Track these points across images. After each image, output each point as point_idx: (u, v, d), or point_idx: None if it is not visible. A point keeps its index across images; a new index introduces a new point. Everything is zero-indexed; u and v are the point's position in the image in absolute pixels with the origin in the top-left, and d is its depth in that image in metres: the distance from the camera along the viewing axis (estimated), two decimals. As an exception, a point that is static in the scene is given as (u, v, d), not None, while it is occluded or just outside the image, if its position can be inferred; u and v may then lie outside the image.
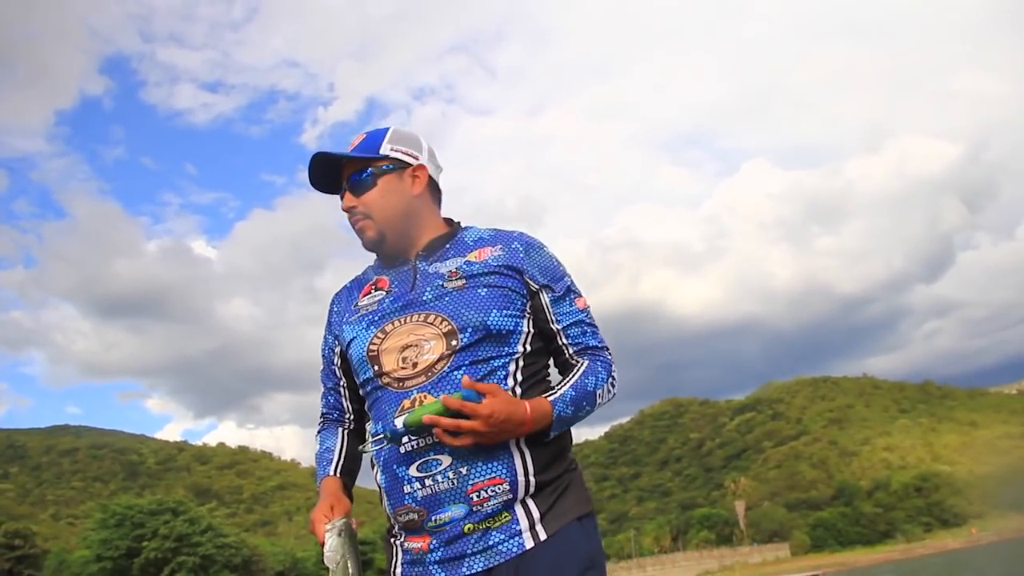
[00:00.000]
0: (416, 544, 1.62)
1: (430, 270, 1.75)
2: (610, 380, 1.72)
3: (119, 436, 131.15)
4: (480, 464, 1.58)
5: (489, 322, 1.64)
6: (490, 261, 1.73)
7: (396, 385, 1.64)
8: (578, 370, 1.69)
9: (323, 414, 1.91)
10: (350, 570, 1.55)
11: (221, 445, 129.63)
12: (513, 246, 1.75)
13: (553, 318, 1.73)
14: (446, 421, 1.49)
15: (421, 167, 1.79)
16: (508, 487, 1.57)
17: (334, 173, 1.80)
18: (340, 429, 1.86)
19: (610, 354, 1.77)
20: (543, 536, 1.58)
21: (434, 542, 1.60)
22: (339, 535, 1.56)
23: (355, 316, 1.79)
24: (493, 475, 1.58)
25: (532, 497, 1.60)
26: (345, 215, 1.79)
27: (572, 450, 1.73)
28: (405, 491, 1.62)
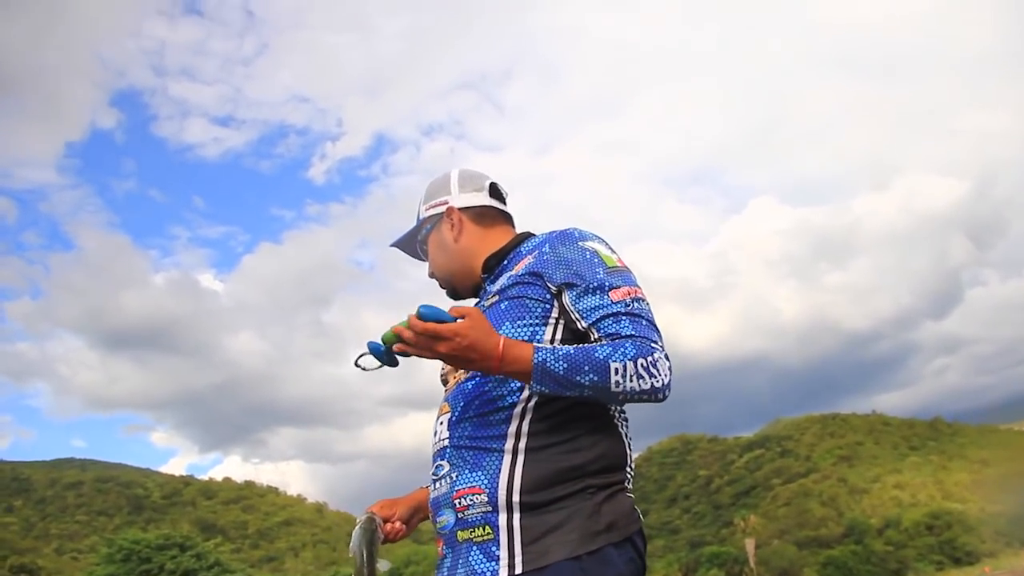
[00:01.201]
0: (439, 548, 1.63)
1: (487, 290, 1.76)
2: (641, 361, 1.47)
3: (125, 469, 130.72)
4: (466, 472, 1.55)
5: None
6: (521, 271, 1.66)
7: (445, 390, 1.74)
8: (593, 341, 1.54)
9: None
10: (361, 561, 1.60)
11: (227, 480, 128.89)
12: (542, 249, 1.65)
13: (578, 316, 1.57)
14: (407, 334, 1.43)
15: (450, 209, 1.82)
16: (486, 498, 1.51)
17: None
18: None
19: (658, 345, 1.52)
20: (519, 570, 1.47)
21: (444, 546, 1.61)
22: (361, 528, 1.63)
23: None
24: (474, 483, 1.54)
25: (522, 516, 1.50)
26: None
27: (601, 474, 1.55)
28: (429, 490, 1.69)
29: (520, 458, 1.53)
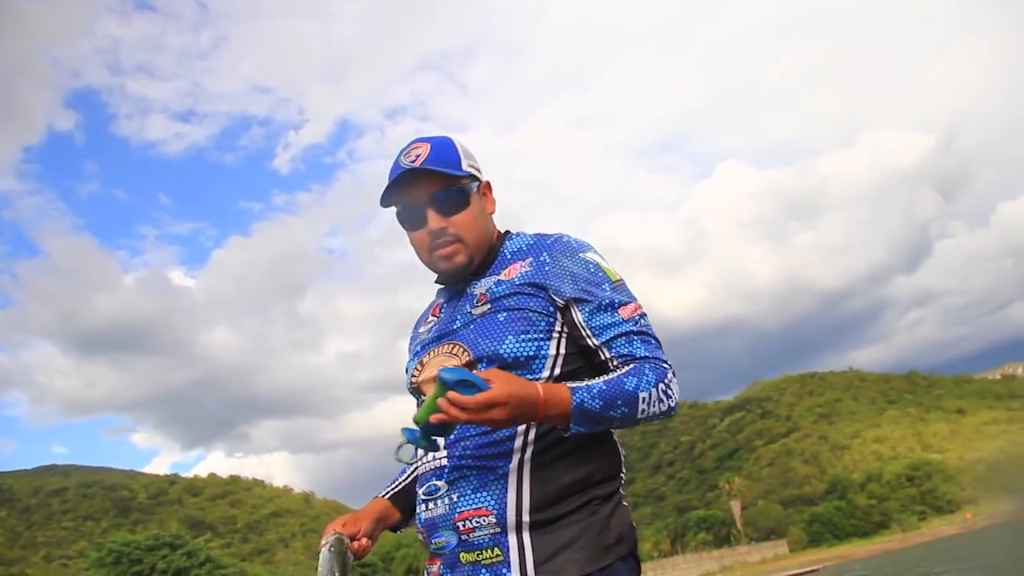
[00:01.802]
0: (433, 567, 1.58)
1: (469, 292, 1.64)
2: (660, 386, 1.48)
3: (108, 473, 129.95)
4: (470, 493, 1.49)
5: (502, 351, 1.51)
6: (516, 279, 1.58)
7: None
8: (617, 370, 1.49)
9: None
10: None
11: (212, 476, 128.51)
12: (541, 258, 1.59)
13: (589, 333, 1.54)
14: (455, 411, 1.32)
15: (487, 183, 1.70)
16: (495, 520, 1.47)
17: (402, 188, 1.62)
18: None
19: (668, 364, 1.53)
20: None
21: (442, 566, 1.54)
22: (329, 550, 1.54)
23: (413, 344, 1.74)
24: (480, 505, 1.48)
25: (532, 535, 1.47)
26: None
27: (602, 479, 1.53)
28: (418, 511, 1.60)
29: (527, 476, 1.49)
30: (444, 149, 1.62)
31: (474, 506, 1.49)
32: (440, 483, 1.53)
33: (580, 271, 1.56)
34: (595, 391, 1.42)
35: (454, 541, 1.50)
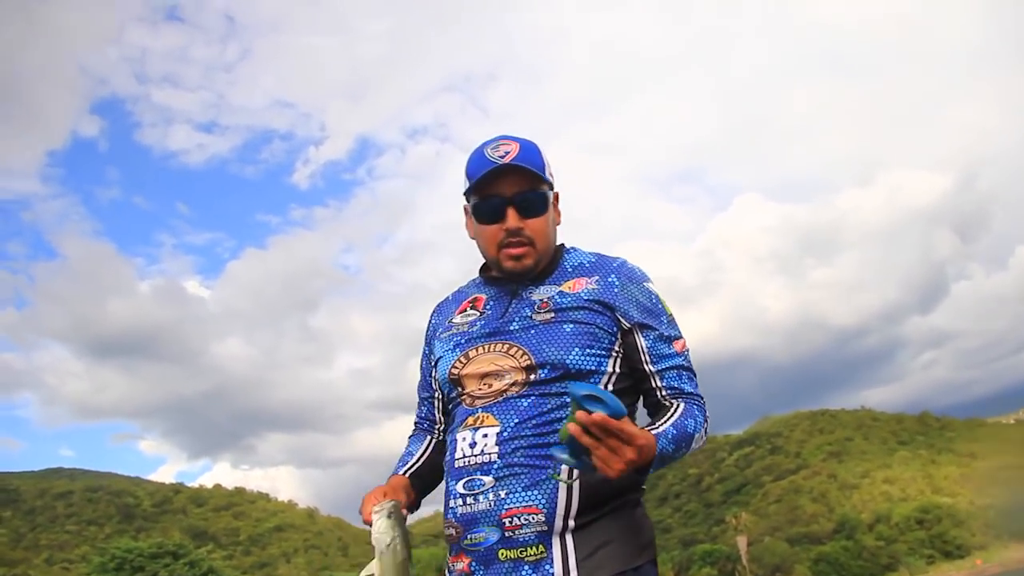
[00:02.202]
0: (460, 564, 1.56)
1: (526, 296, 1.67)
2: (704, 427, 1.60)
3: (114, 478, 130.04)
4: (520, 490, 1.51)
5: (568, 361, 1.56)
6: (582, 294, 1.64)
7: (468, 402, 1.61)
8: (676, 410, 1.57)
9: (416, 422, 1.89)
10: (399, 552, 1.49)
11: (217, 487, 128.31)
12: (609, 279, 1.66)
13: (648, 359, 1.63)
14: (586, 440, 1.33)
15: (557, 194, 1.73)
16: (544, 518, 1.49)
17: (486, 180, 1.64)
18: (429, 437, 1.84)
19: (704, 402, 1.65)
20: None
21: (473, 563, 1.54)
22: (388, 517, 1.51)
23: (447, 333, 1.74)
24: (530, 503, 1.50)
25: (574, 534, 1.51)
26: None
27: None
28: (450, 505, 1.58)
29: (576, 480, 1.53)
30: (532, 152, 1.65)
31: (523, 503, 1.49)
32: (486, 479, 1.53)
33: (644, 300, 1.65)
34: (670, 437, 1.49)
35: (494, 537, 1.50)
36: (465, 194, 1.68)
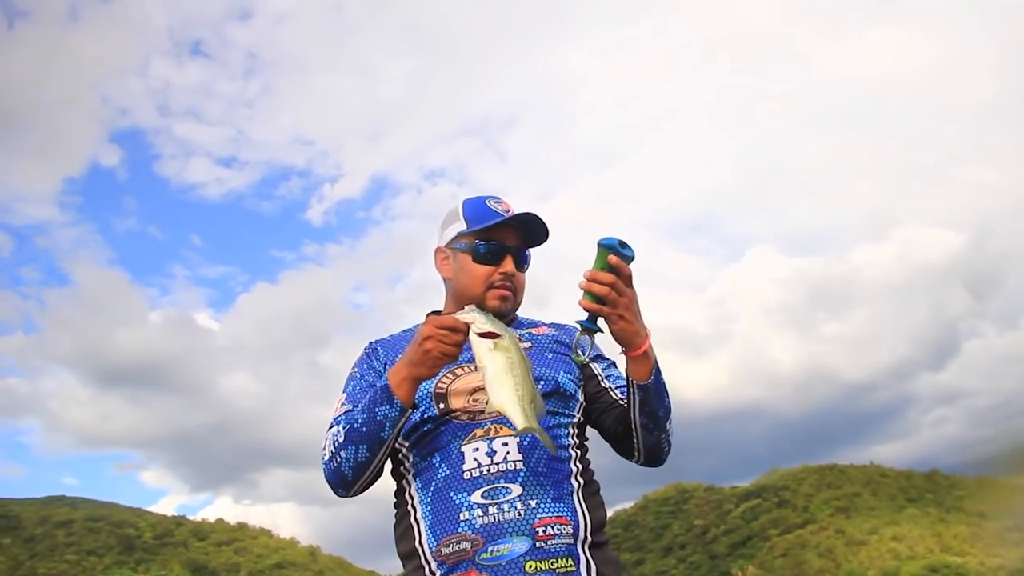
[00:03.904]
0: None
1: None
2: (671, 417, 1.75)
3: (116, 508, 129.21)
4: (550, 501, 1.55)
5: (559, 380, 1.69)
6: (549, 335, 1.84)
7: (467, 418, 1.62)
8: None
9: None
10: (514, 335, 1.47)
11: (220, 521, 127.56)
12: (567, 327, 1.87)
13: (603, 375, 1.81)
14: (606, 279, 1.47)
15: None
16: (571, 530, 1.54)
17: (496, 227, 1.80)
18: None
19: None
20: None
21: None
22: (482, 312, 1.49)
23: None
24: (560, 514, 1.54)
25: (590, 552, 1.56)
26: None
27: None
28: (461, 518, 1.54)
29: (583, 500, 1.63)
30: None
31: (555, 514, 1.54)
32: (513, 487, 1.54)
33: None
34: (657, 367, 1.64)
35: (522, 548, 1.50)
36: (460, 235, 1.83)
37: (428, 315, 1.85)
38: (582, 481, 1.66)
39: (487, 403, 1.47)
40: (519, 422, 1.39)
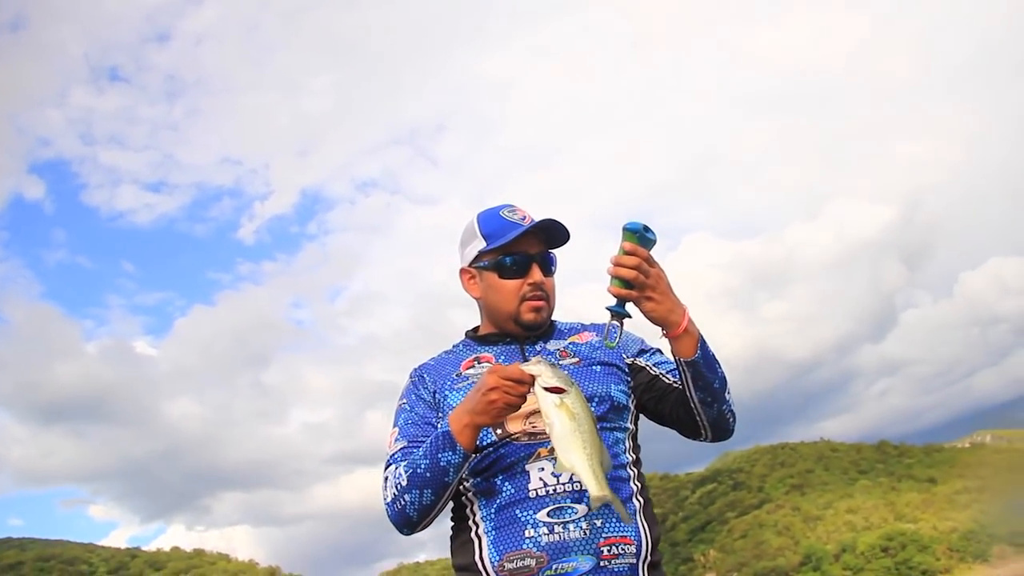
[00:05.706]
0: None
1: (538, 348, 1.79)
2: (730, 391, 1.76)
3: (67, 546, 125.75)
4: (614, 520, 1.57)
5: (612, 394, 1.69)
6: (592, 342, 1.82)
7: (527, 439, 1.63)
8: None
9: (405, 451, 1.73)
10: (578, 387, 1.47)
11: (176, 549, 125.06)
12: (605, 326, 1.78)
13: (651, 365, 1.81)
14: (628, 263, 1.51)
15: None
16: (635, 550, 1.57)
17: (516, 239, 1.76)
18: None
19: None
20: None
21: None
22: (548, 364, 1.47)
23: (463, 383, 1.75)
24: (624, 534, 1.57)
25: (649, 571, 1.60)
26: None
27: None
28: (526, 535, 1.56)
29: (645, 518, 1.65)
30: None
31: (620, 533, 1.56)
32: (579, 507, 1.56)
33: (636, 337, 1.87)
34: (704, 340, 1.67)
35: (587, 566, 1.52)
36: (481, 253, 1.80)
37: (467, 334, 1.87)
38: (643, 500, 1.68)
39: (556, 462, 1.47)
40: (593, 490, 1.41)
